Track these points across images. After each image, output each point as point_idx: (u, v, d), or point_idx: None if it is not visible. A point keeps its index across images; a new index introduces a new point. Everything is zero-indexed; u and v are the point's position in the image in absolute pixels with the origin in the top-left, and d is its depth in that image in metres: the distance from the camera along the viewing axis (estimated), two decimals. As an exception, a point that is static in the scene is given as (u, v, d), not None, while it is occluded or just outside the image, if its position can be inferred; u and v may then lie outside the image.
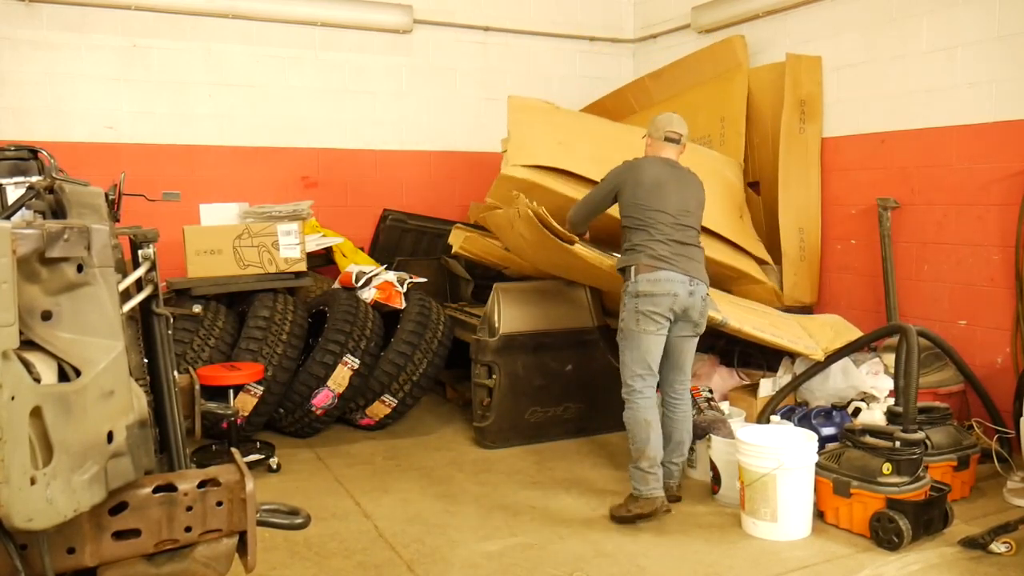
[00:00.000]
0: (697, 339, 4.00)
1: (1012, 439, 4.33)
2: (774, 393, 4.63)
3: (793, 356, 4.71)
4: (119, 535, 1.71)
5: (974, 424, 4.44)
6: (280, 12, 6.09)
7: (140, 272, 2.04)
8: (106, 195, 2.04)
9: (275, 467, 4.48)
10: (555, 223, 4.13)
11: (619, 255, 4.02)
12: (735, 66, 6.01)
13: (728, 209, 5.38)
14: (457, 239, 5.61)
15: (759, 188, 5.94)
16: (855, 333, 4.77)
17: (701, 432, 4.16)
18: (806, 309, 5.65)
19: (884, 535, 3.45)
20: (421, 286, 5.51)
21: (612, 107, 6.96)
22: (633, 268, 3.83)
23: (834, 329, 4.81)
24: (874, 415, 4.24)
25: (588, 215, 4.21)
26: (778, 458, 3.52)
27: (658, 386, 3.95)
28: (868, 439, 3.67)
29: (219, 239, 5.10)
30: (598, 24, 7.27)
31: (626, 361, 3.88)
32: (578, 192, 4.65)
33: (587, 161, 4.88)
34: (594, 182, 4.40)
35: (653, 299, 3.76)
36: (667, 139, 4.05)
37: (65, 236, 1.53)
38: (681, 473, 4.11)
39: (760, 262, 5.43)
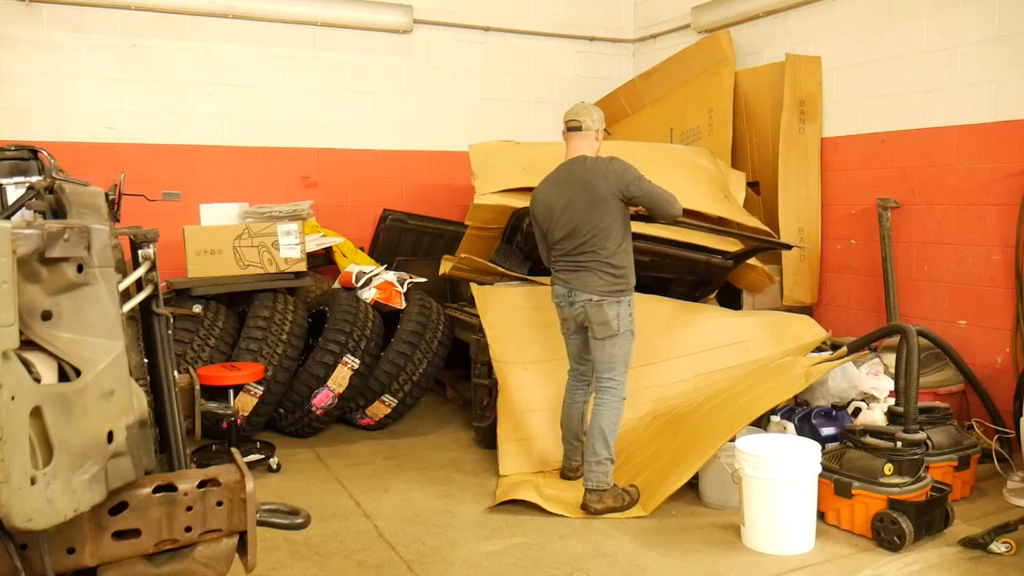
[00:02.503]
0: (602, 343, 3.95)
1: (1012, 439, 4.33)
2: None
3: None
4: (119, 535, 1.71)
5: (974, 424, 4.45)
6: (280, 12, 6.09)
7: (140, 272, 2.04)
8: (106, 195, 2.04)
9: (275, 467, 4.48)
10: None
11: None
12: (722, 59, 6.11)
13: (710, 191, 5.16)
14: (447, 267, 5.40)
15: (759, 188, 5.94)
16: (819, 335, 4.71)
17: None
18: (806, 309, 5.65)
19: (886, 535, 3.45)
20: (421, 286, 5.50)
21: (606, 110, 6.86)
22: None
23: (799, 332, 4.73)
24: (874, 415, 4.24)
25: (545, 257, 4.23)
26: (780, 469, 3.45)
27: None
28: (869, 439, 3.67)
29: (219, 239, 5.10)
30: (598, 24, 7.27)
31: None
32: None
33: None
34: None
35: (557, 309, 4.14)
36: (568, 129, 4.00)
37: (65, 236, 1.53)
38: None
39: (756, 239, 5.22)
